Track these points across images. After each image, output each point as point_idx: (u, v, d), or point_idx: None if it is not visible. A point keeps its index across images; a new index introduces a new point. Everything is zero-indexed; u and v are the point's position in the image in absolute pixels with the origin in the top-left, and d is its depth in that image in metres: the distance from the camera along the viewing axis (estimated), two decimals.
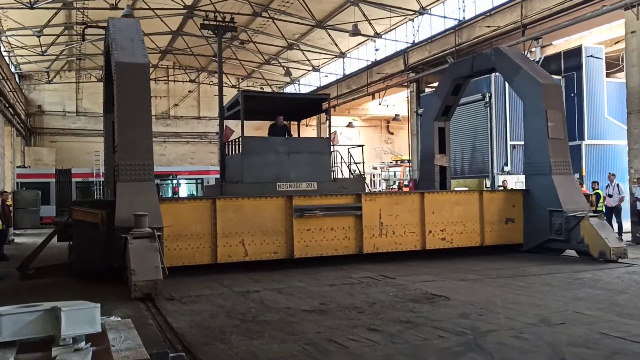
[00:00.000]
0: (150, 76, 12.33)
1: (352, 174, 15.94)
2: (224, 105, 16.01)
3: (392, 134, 45.37)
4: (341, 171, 15.77)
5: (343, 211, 11.67)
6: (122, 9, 23.27)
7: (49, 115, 40.75)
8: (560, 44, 23.05)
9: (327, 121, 14.97)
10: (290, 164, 13.55)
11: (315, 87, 38.58)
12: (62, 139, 40.20)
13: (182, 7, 28.28)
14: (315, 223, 11.36)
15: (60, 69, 39.48)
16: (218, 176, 33.04)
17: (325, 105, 15.89)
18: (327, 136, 14.73)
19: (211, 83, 43.58)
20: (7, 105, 27.22)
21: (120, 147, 9.78)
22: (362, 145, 17.88)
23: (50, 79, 39.70)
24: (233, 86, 43.86)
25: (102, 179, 30.19)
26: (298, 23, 29.63)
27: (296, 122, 17.58)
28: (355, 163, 15.93)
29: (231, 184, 13.64)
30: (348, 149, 16.21)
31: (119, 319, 3.50)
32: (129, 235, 8.50)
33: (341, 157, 15.40)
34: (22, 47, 31.40)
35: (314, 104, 16.28)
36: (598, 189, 17.10)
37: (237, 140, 15.09)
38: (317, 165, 13.80)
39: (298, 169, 13.57)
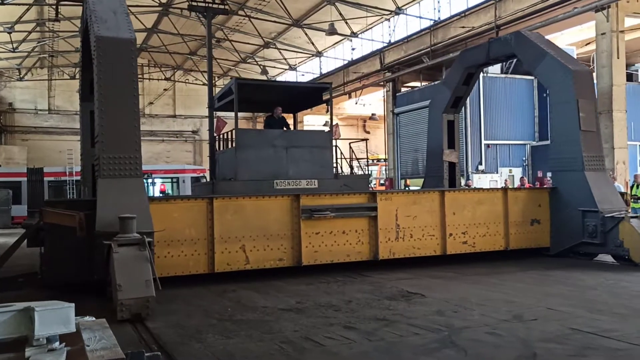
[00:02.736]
0: None
1: (352, 170, 14.84)
2: (213, 95, 14.77)
3: (368, 132, 45.62)
4: (341, 168, 14.52)
5: (356, 212, 10.43)
6: None
7: (20, 113, 40.02)
8: None
9: (329, 112, 13.74)
10: (288, 160, 12.38)
11: None
12: (34, 137, 39.54)
13: (157, 4, 28.02)
14: (325, 225, 10.12)
15: (32, 66, 38.81)
16: (194, 175, 32.98)
17: (325, 96, 14.60)
18: (329, 129, 13.37)
19: (187, 81, 43.29)
20: None
21: (102, 138, 8.33)
22: (367, 140, 17.30)
23: (21, 76, 39.00)
24: None
25: (75, 178, 29.76)
26: (275, 22, 29.60)
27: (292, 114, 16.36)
28: (357, 159, 14.77)
29: (224, 182, 12.39)
30: (349, 143, 15.14)
31: (94, 318, 3.47)
32: (113, 242, 7.08)
33: (341, 153, 14.13)
34: None
35: (313, 94, 14.65)
36: None
37: (229, 133, 14.00)
38: (318, 160, 12.62)
39: (297, 165, 12.38)
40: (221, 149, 14.73)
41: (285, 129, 13.71)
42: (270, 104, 13.81)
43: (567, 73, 11.50)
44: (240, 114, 14.34)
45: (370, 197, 10.73)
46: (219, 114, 15.98)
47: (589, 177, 11.13)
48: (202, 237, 9.33)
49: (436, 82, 25.59)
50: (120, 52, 8.56)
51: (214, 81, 46.87)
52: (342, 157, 14.31)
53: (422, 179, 24.40)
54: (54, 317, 2.84)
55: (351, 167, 15.12)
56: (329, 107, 13.82)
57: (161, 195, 28.57)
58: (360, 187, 12.74)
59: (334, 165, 13.29)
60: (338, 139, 14.03)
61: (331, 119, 13.57)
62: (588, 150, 11.33)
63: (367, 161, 16.07)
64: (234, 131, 12.77)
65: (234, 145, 12.75)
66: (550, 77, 12.11)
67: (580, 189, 11.17)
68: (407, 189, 22.71)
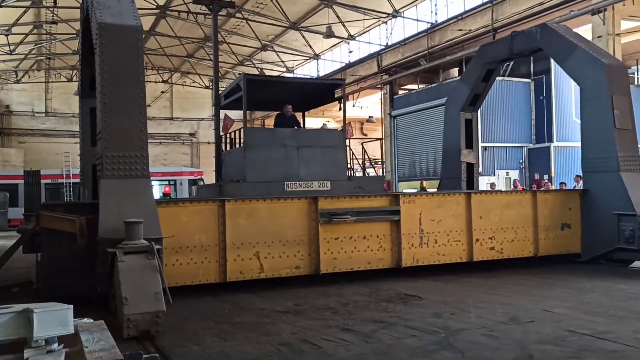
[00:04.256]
0: None
1: (364, 172, 14.13)
2: (219, 93, 14.08)
3: (365, 135, 45.64)
4: (352, 169, 13.69)
5: (378, 215, 9.75)
6: None
7: (17, 115, 39.98)
8: None
9: (342, 110, 12.97)
10: (299, 160, 11.70)
11: None
12: (31, 139, 39.51)
13: (154, 7, 28.03)
14: (344, 230, 9.44)
15: (29, 68, 38.80)
16: (192, 177, 32.96)
17: (338, 93, 13.97)
18: (341, 128, 12.47)
19: (184, 84, 43.30)
20: None
21: (105, 134, 7.55)
22: (381, 139, 16.83)
23: (18, 78, 38.96)
24: (207, 87, 43.67)
25: (72, 180, 29.73)
26: (272, 24, 29.66)
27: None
28: (370, 160, 14.26)
29: (232, 184, 11.65)
30: (362, 143, 14.64)
31: (92, 320, 3.48)
32: (118, 249, 6.35)
33: (352, 154, 13.25)
34: None
35: (325, 91, 13.79)
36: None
37: (236, 132, 13.44)
38: (330, 161, 11.94)
39: (308, 166, 11.71)
40: (227, 148, 14.15)
41: (296, 127, 12.99)
42: (279, 101, 13.11)
43: (599, 67, 10.75)
44: (237, 113, 14.02)
45: (392, 200, 10.08)
46: (222, 112, 15.52)
47: (625, 179, 10.38)
48: (213, 243, 8.64)
49: (433, 85, 25.67)
50: (125, 40, 7.81)
51: (211, 84, 46.67)
52: (354, 157, 13.50)
53: (418, 182, 24.51)
54: (53, 318, 2.85)
55: (364, 168, 14.35)
56: (342, 104, 13.06)
57: (165, 197, 28.01)
58: (375, 189, 12.02)
59: (347, 166, 12.63)
60: (351, 138, 13.32)
61: (344, 117, 12.85)
62: (623, 150, 10.57)
63: (383, 162, 15.43)
64: (242, 130, 12.15)
65: (242, 144, 12.12)
66: (580, 72, 11.31)
67: (616, 191, 10.43)
68: (423, 191, 22.38)
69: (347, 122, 13.62)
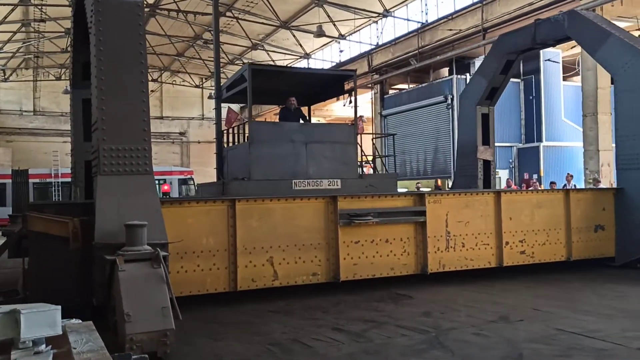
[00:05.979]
0: None
1: (375, 169, 13.56)
2: (221, 84, 13.43)
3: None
4: (360, 166, 13.03)
5: (402, 217, 9.02)
6: None
7: (5, 114, 39.64)
8: None
9: (353, 103, 12.18)
10: (308, 157, 11.00)
11: None
12: (19, 138, 39.19)
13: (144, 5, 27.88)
14: (365, 233, 8.70)
15: (16, 66, 38.46)
16: (182, 177, 32.85)
17: (348, 85, 13.14)
18: (352, 122, 11.58)
19: (174, 83, 43.12)
20: None
21: (102, 125, 6.64)
22: (394, 135, 16.06)
23: (6, 76, 38.62)
24: (197, 86, 43.52)
25: (60, 179, 29.52)
26: (262, 23, 29.59)
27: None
28: (381, 156, 13.52)
29: (235, 182, 10.90)
30: (372, 138, 13.94)
31: (80, 321, 3.45)
32: (118, 256, 5.49)
33: (361, 151, 12.60)
34: None
35: (334, 83, 12.92)
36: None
37: (239, 127, 12.78)
38: (340, 158, 11.27)
39: (317, 163, 11.04)
40: (230, 144, 13.46)
41: (302, 121, 12.27)
42: (284, 94, 12.28)
43: (636, 56, 10.03)
44: (235, 107, 13.41)
45: (417, 200, 9.33)
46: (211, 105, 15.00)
47: None
48: (222, 247, 7.86)
49: (424, 84, 25.74)
50: (124, 18, 6.89)
51: (201, 83, 46.39)
52: (363, 154, 12.90)
53: (412, 181, 24.57)
54: (40, 319, 2.82)
55: (374, 166, 13.74)
56: (353, 97, 12.32)
57: (166, 197, 27.04)
58: (388, 187, 11.40)
59: (359, 163, 12.01)
60: (362, 133, 12.60)
61: (355, 110, 12.15)
62: None
63: (395, 158, 14.75)
64: (245, 124, 11.41)
65: (246, 140, 11.35)
66: (615, 62, 10.56)
67: None
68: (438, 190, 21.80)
69: (359, 115, 12.88)
